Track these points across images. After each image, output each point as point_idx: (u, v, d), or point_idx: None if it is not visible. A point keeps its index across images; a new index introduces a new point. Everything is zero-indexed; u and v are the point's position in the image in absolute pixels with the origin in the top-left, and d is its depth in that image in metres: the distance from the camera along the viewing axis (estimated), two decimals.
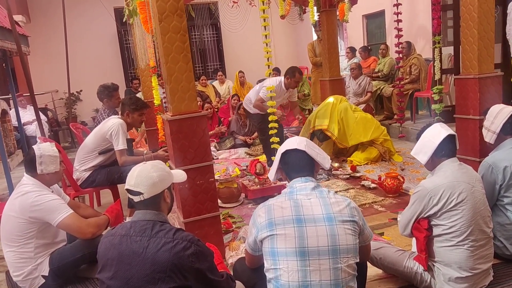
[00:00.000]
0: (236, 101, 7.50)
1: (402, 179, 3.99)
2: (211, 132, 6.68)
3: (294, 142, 1.99)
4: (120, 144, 3.55)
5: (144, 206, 1.83)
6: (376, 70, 7.54)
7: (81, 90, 10.16)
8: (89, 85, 10.01)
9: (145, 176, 1.80)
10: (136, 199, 1.82)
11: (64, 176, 3.74)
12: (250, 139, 6.72)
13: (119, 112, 3.87)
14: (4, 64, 5.40)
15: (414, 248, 2.45)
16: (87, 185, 3.63)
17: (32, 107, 8.39)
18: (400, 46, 6.48)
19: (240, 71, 8.86)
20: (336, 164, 5.13)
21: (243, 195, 4.26)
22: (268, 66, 3.65)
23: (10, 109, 6.94)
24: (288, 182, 1.99)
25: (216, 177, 4.18)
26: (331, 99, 5.37)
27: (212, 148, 6.25)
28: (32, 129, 7.85)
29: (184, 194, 2.77)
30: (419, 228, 2.25)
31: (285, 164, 1.99)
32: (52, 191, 2.80)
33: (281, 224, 1.81)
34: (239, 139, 6.77)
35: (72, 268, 2.73)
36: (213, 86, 8.84)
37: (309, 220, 1.79)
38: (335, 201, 1.84)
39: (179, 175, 2.01)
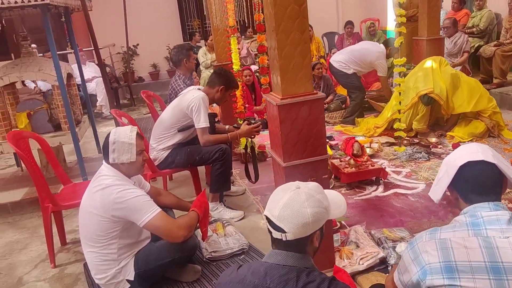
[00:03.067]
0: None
1: None
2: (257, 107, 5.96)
3: (477, 151, 1.40)
4: (201, 121, 3.07)
5: (285, 247, 1.34)
6: (470, 25, 6.53)
7: (137, 44, 9.75)
8: (146, 38, 9.60)
9: (295, 210, 1.30)
10: (275, 235, 1.34)
11: None
12: (327, 102, 6.09)
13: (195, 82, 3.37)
14: (65, 21, 5.00)
15: None
16: (165, 166, 3.22)
17: (91, 63, 8.16)
18: None
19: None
20: (433, 139, 4.45)
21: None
22: None
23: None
24: (462, 206, 1.43)
25: None
26: (429, 63, 4.60)
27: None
28: (92, 87, 7.58)
29: None
30: None
31: (463, 181, 1.41)
32: (134, 182, 2.40)
33: (467, 272, 1.26)
34: None
35: (160, 272, 2.38)
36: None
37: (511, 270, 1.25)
38: None
39: (337, 207, 1.48)
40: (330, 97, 6.21)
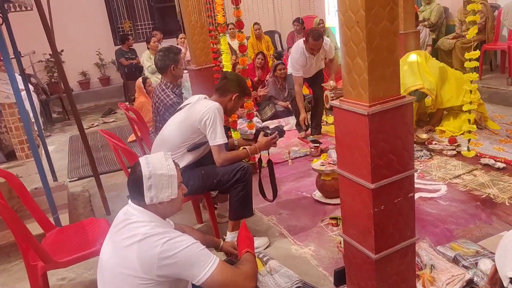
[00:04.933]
0: (261, 60, 6.44)
1: None
2: None
3: None
4: (218, 137, 2.53)
5: None
6: (421, 18, 6.63)
7: (62, 50, 8.62)
8: (72, 43, 8.52)
9: None
10: None
11: None
12: None
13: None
14: None
15: None
16: None
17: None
18: None
19: (256, 23, 7.72)
20: (424, 135, 4.32)
21: None
22: None
23: None
24: None
25: (317, 165, 3.31)
26: (413, 56, 4.46)
27: (256, 119, 5.26)
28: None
29: (379, 220, 1.87)
30: None
31: None
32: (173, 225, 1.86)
33: None
34: (279, 105, 5.80)
35: None
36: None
37: None
38: None
39: None
40: None
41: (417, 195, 3.22)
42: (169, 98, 3.07)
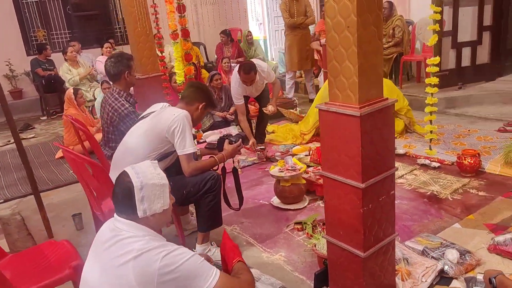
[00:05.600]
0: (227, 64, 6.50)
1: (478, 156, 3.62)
2: None
3: None
4: (187, 146, 2.44)
5: None
6: None
7: None
8: None
9: None
10: None
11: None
12: (230, 114, 5.76)
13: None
14: None
15: None
16: None
17: None
18: None
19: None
20: None
21: None
22: None
23: None
24: None
25: (275, 171, 3.34)
26: None
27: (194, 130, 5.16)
28: None
29: (366, 218, 1.93)
30: None
31: None
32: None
33: None
34: (216, 115, 5.76)
35: None
36: None
37: None
38: None
39: None
40: (232, 108, 5.88)
41: None
42: (124, 108, 2.90)
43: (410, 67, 6.78)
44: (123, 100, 2.94)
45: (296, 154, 4.38)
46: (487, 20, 5.91)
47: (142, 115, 2.65)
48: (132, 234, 1.59)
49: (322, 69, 6.34)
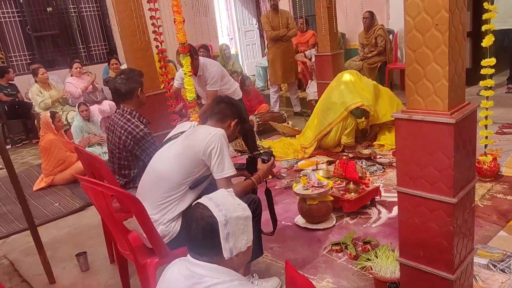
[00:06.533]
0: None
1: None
2: None
3: None
4: (226, 168, 2.16)
5: None
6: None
7: None
8: None
9: None
10: None
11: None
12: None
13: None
14: None
15: None
16: (178, 244, 2.13)
17: None
18: (363, 17, 6.17)
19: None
20: (365, 151, 4.45)
21: None
22: None
23: None
24: None
25: (299, 189, 3.12)
26: (347, 76, 4.61)
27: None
28: None
29: (457, 237, 1.74)
30: None
31: None
32: None
33: None
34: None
35: None
36: None
37: None
38: None
39: None
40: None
41: (394, 209, 3.23)
42: (139, 129, 2.58)
43: (393, 76, 6.81)
44: (136, 121, 2.62)
45: (303, 169, 4.19)
46: (468, 26, 6.05)
47: (168, 137, 2.34)
48: (218, 280, 1.31)
49: (310, 80, 6.23)
